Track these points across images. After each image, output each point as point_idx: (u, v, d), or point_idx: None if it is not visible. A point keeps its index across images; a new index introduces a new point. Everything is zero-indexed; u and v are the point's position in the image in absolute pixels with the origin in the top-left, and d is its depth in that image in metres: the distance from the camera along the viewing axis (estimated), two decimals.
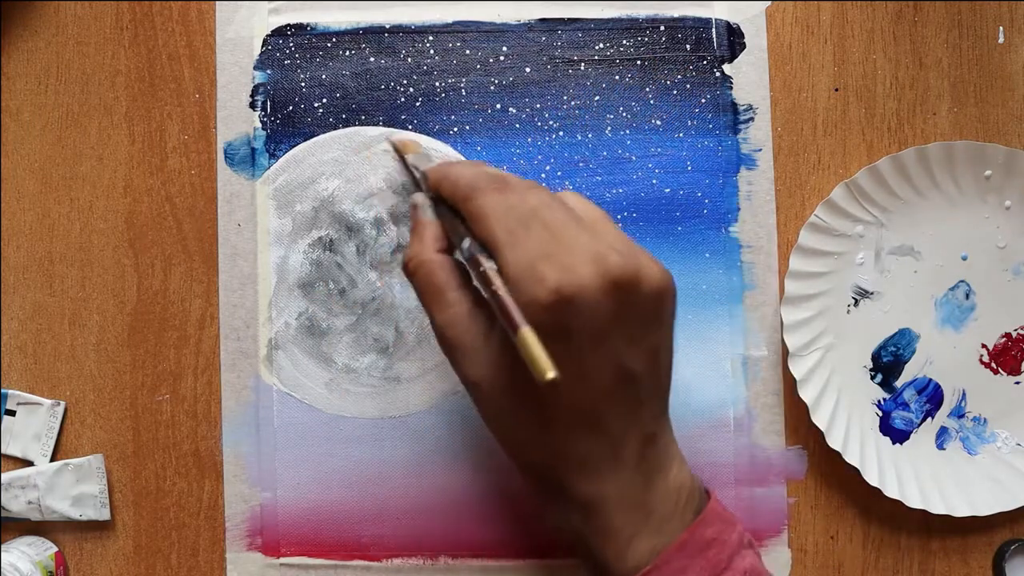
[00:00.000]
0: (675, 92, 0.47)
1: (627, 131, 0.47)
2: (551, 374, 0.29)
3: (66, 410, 0.47)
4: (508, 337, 0.31)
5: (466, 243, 0.34)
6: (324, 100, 0.47)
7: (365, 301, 0.47)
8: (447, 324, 0.35)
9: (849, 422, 0.45)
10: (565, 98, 0.47)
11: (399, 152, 0.45)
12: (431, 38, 0.47)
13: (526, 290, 0.31)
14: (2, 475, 0.46)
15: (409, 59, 0.47)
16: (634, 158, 0.47)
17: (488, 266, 0.33)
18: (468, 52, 0.47)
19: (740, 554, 0.35)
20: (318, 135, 0.47)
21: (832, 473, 0.46)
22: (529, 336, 0.30)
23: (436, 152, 0.47)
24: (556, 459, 0.34)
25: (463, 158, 0.47)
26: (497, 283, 0.32)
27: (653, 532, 0.34)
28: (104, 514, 0.46)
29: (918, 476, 0.45)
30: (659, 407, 0.35)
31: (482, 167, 0.37)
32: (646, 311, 0.33)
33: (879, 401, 0.46)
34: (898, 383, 0.46)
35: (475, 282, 0.35)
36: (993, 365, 0.46)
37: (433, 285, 0.35)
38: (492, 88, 0.47)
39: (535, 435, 0.34)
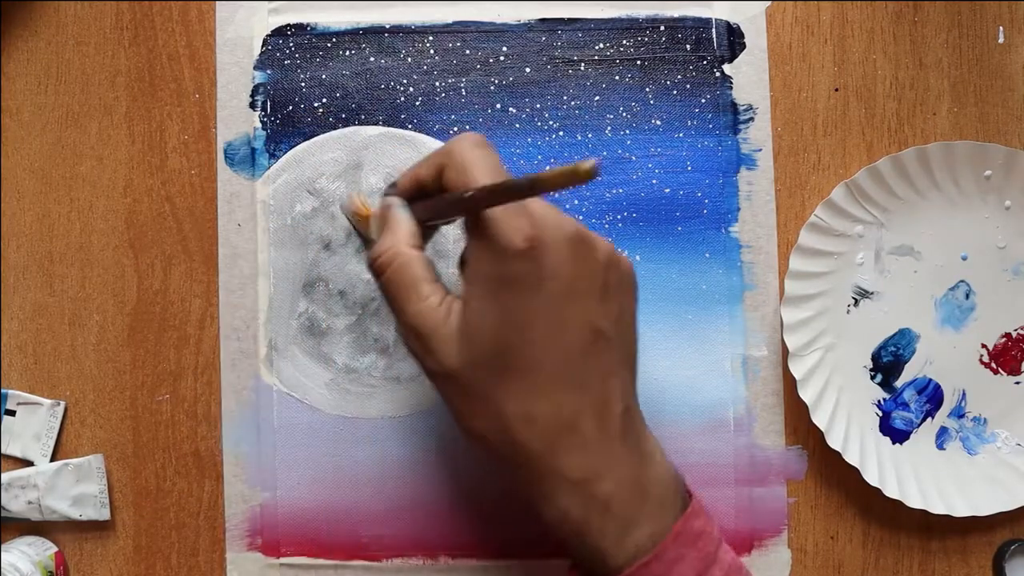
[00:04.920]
0: (675, 92, 0.47)
1: (627, 131, 0.47)
2: (588, 163, 0.28)
3: (66, 410, 0.47)
4: (475, 320, 0.34)
5: (468, 192, 0.34)
6: (324, 100, 0.47)
7: (365, 301, 0.47)
8: (420, 313, 0.35)
9: (849, 422, 0.45)
10: (565, 98, 0.47)
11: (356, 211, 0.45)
12: (431, 38, 0.47)
13: (506, 236, 0.33)
14: (2, 475, 0.46)
15: (409, 59, 0.47)
16: (634, 158, 0.47)
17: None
18: (468, 52, 0.47)
19: (722, 547, 0.35)
20: (318, 135, 0.47)
21: (832, 473, 0.46)
22: (551, 171, 0.30)
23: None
24: (545, 428, 0.34)
25: None
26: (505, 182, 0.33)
27: (650, 518, 0.34)
28: (104, 514, 0.46)
29: (918, 476, 0.45)
30: (630, 378, 0.36)
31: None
32: (604, 272, 0.35)
33: (879, 401, 0.46)
34: (898, 383, 0.46)
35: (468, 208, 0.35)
36: (993, 365, 0.46)
37: (409, 276, 0.36)
38: (492, 88, 0.47)
39: (519, 404, 0.34)
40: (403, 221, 0.38)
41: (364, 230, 0.45)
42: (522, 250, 0.33)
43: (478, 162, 0.35)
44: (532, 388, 0.34)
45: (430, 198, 0.37)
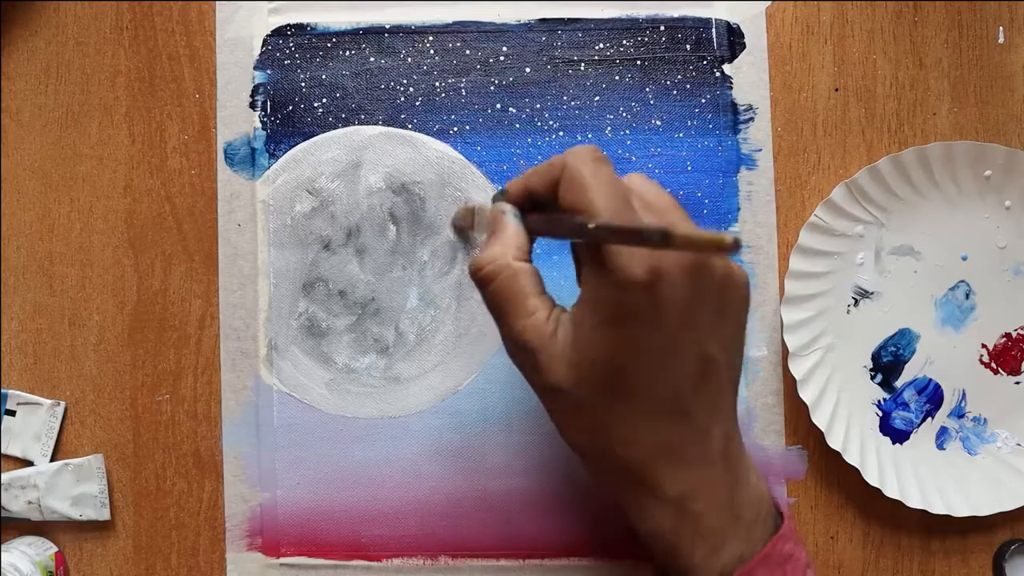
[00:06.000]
0: (675, 92, 0.47)
1: (627, 131, 0.47)
2: (730, 237, 0.27)
3: (66, 410, 0.47)
4: (587, 344, 0.33)
5: (593, 223, 0.32)
6: (324, 100, 0.47)
7: (365, 301, 0.47)
8: (528, 329, 0.34)
9: (849, 422, 0.45)
10: (565, 98, 0.47)
11: (468, 221, 0.44)
12: (431, 38, 0.47)
13: (625, 266, 0.32)
14: (2, 475, 0.46)
15: (409, 59, 0.47)
16: (634, 158, 0.47)
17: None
18: (468, 52, 0.47)
19: (808, 573, 0.36)
20: (318, 135, 0.47)
21: (832, 473, 0.46)
22: (686, 228, 0.29)
23: (435, 152, 0.47)
24: (648, 451, 0.34)
25: (463, 158, 0.47)
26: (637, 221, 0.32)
27: (741, 538, 0.34)
28: (104, 514, 0.46)
29: (918, 476, 0.45)
30: (733, 400, 0.36)
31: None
32: (719, 298, 0.34)
33: (879, 401, 0.46)
34: (898, 383, 0.46)
35: (589, 244, 0.34)
36: (993, 365, 0.46)
37: (515, 290, 0.35)
38: (492, 88, 0.47)
39: (625, 427, 0.34)
40: (513, 231, 0.36)
41: (466, 224, 0.44)
42: (642, 283, 0.32)
43: (595, 183, 0.33)
44: (637, 413, 0.34)
45: (542, 210, 0.36)
